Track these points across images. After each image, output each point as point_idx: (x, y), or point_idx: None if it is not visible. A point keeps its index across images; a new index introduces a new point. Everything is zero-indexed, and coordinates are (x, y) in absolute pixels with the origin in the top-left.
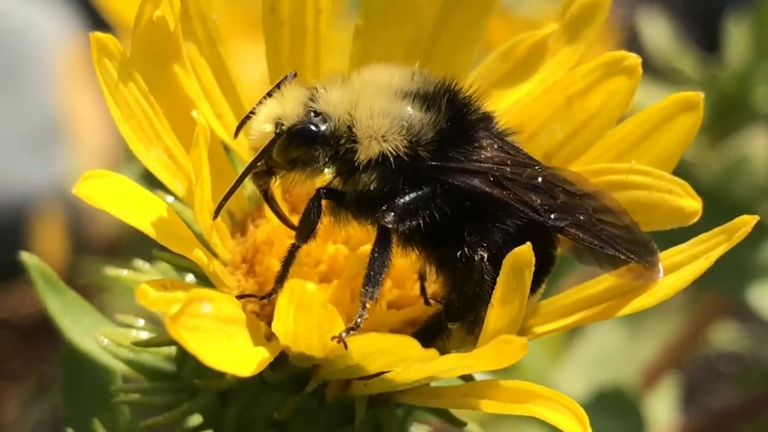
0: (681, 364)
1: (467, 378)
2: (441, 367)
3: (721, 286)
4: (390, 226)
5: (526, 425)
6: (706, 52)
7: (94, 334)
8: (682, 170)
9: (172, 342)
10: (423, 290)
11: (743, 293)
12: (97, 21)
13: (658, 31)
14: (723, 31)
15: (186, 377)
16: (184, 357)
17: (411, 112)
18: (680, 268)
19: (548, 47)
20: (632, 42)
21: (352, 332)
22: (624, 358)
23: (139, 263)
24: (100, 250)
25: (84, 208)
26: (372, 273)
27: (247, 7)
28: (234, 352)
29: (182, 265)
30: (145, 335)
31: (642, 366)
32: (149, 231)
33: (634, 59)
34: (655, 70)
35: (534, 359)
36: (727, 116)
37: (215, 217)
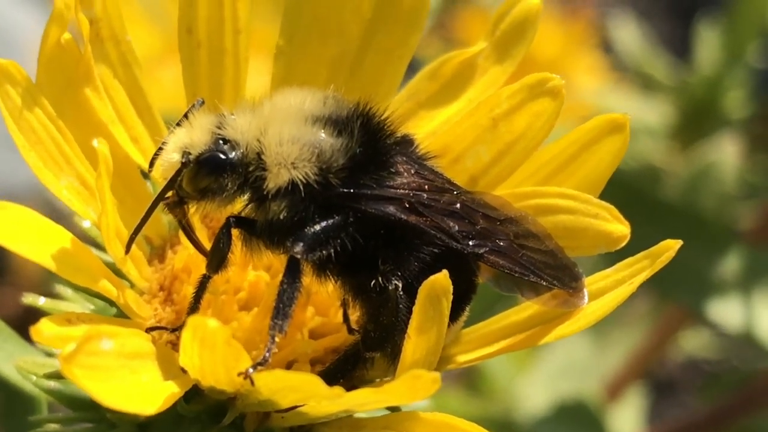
0: (646, 374)
1: (394, 408)
2: (352, 402)
3: (681, 299)
4: (299, 257)
5: None
6: (680, 52)
7: (14, 361)
8: (652, 175)
9: None
10: (346, 318)
11: (703, 306)
12: None
13: (629, 35)
14: (694, 38)
15: (104, 408)
16: None
17: (322, 137)
18: (605, 293)
19: (477, 66)
20: (608, 42)
21: (260, 367)
22: (589, 368)
23: (62, 289)
24: None
25: (63, 209)
26: (281, 305)
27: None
28: (138, 389)
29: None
30: None
31: (607, 376)
32: (49, 264)
33: (557, 81)
34: (627, 72)
35: (500, 369)
36: (697, 121)
37: (127, 250)
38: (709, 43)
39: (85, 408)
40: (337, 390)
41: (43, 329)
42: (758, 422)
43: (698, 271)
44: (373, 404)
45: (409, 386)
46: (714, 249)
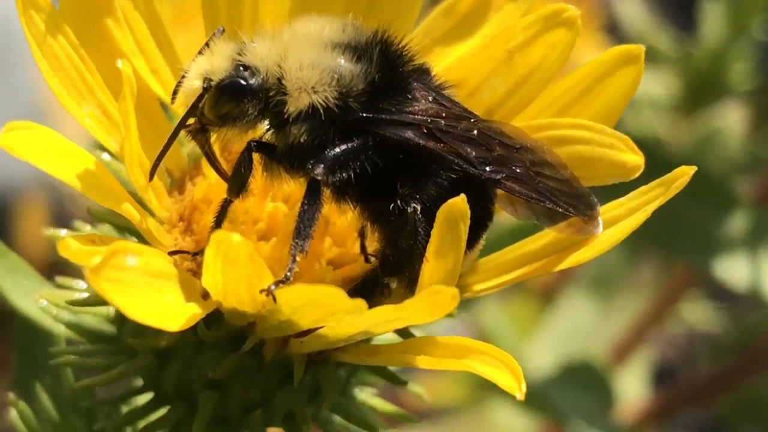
0: (652, 338)
1: (407, 335)
2: (373, 319)
3: (688, 258)
4: (319, 178)
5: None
6: (682, 32)
7: (34, 297)
8: (655, 144)
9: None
10: (363, 248)
11: (710, 265)
12: None
13: (635, 10)
14: (699, 12)
15: (125, 338)
16: (123, 318)
17: (341, 63)
18: (620, 221)
19: (492, 3)
20: (614, 25)
21: (281, 285)
22: (595, 332)
23: (80, 224)
24: None
25: (67, 194)
26: (301, 226)
27: None
28: (161, 307)
29: (124, 225)
30: (85, 296)
31: (613, 340)
32: (74, 183)
33: (572, 12)
34: None
35: (506, 332)
36: (701, 94)
37: (150, 177)
38: (713, 16)
39: (104, 341)
40: (359, 302)
41: (70, 243)
42: (762, 384)
43: (705, 230)
44: (393, 322)
45: (429, 302)
46: (720, 209)
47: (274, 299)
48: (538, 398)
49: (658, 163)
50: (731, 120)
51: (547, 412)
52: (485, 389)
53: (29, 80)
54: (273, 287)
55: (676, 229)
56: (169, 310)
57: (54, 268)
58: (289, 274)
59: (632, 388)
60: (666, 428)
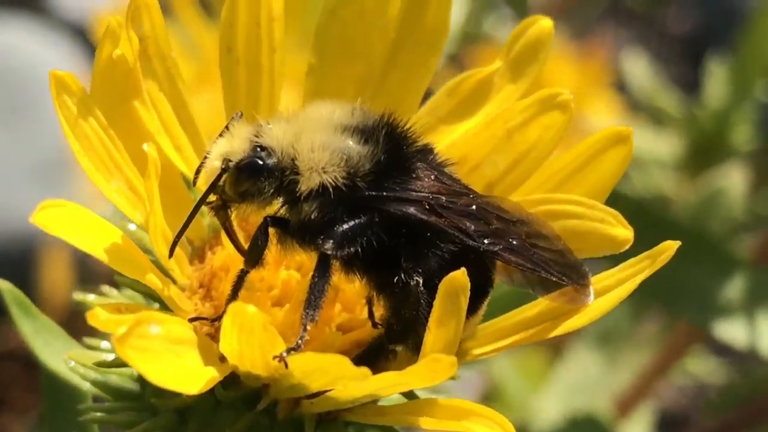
0: (656, 392)
1: (411, 397)
2: (377, 384)
3: (691, 318)
4: (329, 252)
5: None
6: (691, 93)
7: (63, 356)
8: (661, 203)
9: None
10: (371, 314)
11: (709, 324)
12: None
13: (641, 70)
14: (703, 74)
15: (147, 397)
16: (144, 379)
17: (350, 145)
18: (610, 291)
19: (493, 84)
20: (622, 83)
21: (293, 352)
22: (601, 385)
23: (106, 289)
24: (106, 282)
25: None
26: (312, 297)
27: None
28: (182, 371)
29: (147, 291)
30: (111, 357)
31: (618, 393)
32: (102, 257)
33: (566, 96)
34: (640, 111)
35: (515, 384)
36: (705, 153)
37: (171, 253)
38: (717, 78)
39: (128, 398)
40: (364, 370)
41: (98, 314)
42: None
43: (705, 290)
44: (397, 387)
45: (430, 369)
46: (720, 270)
47: (286, 365)
48: None
49: (663, 221)
50: (734, 180)
51: None
52: None
53: (54, 126)
54: (285, 354)
55: (678, 289)
56: (189, 375)
57: (76, 315)
58: (300, 342)
59: None
60: None
